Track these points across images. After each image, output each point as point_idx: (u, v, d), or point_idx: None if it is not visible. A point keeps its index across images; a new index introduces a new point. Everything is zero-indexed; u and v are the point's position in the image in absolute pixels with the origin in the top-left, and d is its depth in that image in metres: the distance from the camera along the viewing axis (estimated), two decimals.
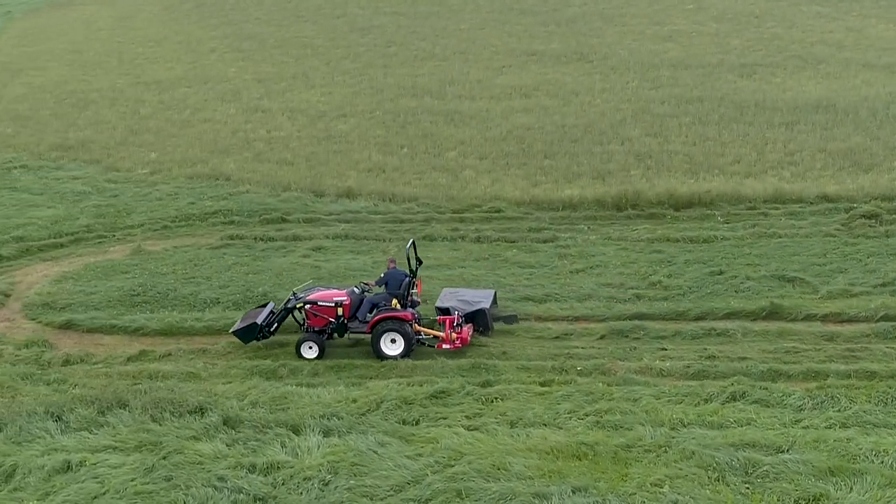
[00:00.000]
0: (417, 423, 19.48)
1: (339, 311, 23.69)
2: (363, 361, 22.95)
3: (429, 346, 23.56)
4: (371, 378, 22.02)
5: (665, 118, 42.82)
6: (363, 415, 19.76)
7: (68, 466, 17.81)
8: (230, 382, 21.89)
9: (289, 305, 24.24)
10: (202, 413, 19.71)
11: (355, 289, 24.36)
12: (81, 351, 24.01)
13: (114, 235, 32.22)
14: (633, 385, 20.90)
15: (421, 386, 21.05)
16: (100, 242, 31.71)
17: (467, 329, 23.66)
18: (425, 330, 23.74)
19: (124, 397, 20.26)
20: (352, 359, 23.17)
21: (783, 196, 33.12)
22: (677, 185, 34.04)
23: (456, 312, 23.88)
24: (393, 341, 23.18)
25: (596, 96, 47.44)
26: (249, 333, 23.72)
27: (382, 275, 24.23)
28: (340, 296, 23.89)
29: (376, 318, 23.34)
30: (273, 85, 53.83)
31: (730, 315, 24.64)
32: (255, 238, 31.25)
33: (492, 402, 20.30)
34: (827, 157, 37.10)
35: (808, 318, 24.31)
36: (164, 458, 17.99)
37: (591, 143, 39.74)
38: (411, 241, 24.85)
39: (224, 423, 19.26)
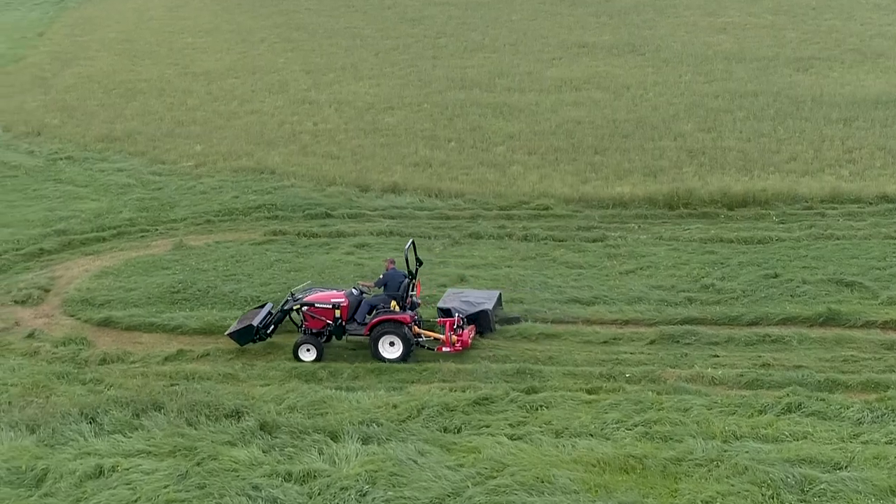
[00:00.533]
0: (459, 431, 18.84)
1: (337, 312, 23.07)
2: (405, 365, 22.32)
3: (429, 348, 22.99)
4: (413, 382, 21.41)
5: (719, 113, 41.83)
6: (403, 422, 19.14)
7: (100, 471, 17.37)
8: (268, 385, 21.35)
9: (286, 307, 23.74)
10: (238, 417, 19.23)
11: (353, 290, 23.80)
12: (119, 349, 23.54)
13: (156, 230, 31.85)
14: (684, 394, 20.11)
15: (464, 392, 20.41)
16: (142, 237, 31.35)
17: (468, 331, 23.06)
18: (425, 332, 23.17)
19: (160, 399, 19.83)
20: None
21: (841, 196, 32.08)
22: (731, 184, 33.09)
23: (457, 314, 23.30)
24: (392, 344, 22.64)
25: (648, 90, 46.53)
26: (246, 335, 23.18)
27: (381, 276, 23.69)
28: (338, 297, 23.27)
29: (374, 320, 22.75)
30: (321, 76, 53.38)
31: (785, 321, 23.75)
32: (299, 234, 30.70)
33: (536, 409, 19.60)
34: (887, 155, 35.97)
35: (868, 324, 23.37)
36: (199, 464, 17.52)
37: (643, 139, 38.86)
38: (410, 241, 24.22)
39: (261, 429, 18.76)
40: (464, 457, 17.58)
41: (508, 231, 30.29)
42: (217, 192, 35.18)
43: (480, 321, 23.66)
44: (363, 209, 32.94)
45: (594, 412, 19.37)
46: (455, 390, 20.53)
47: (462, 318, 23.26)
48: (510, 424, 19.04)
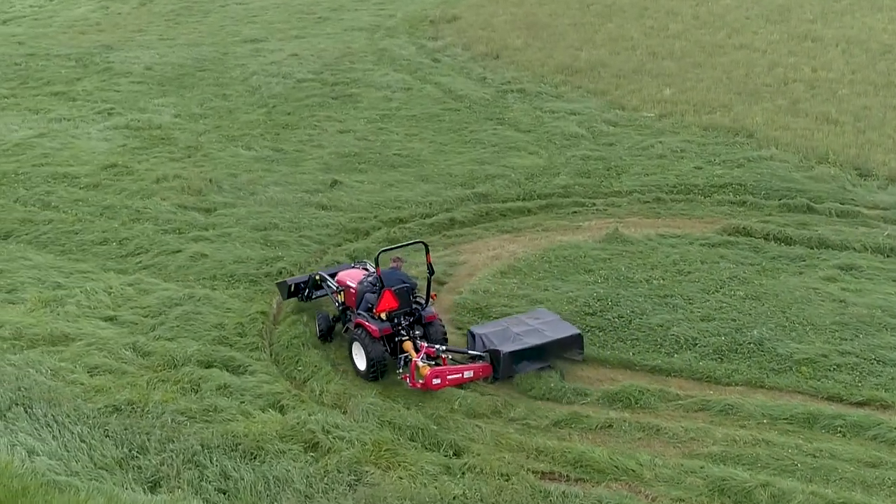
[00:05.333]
0: None
1: (340, 297, 20.12)
2: None
3: (397, 372, 18.37)
4: None
5: None
6: None
7: None
8: (680, 502, 15.08)
9: (316, 276, 21.11)
10: None
11: (369, 280, 19.49)
12: (495, 396, 17.94)
13: (593, 204, 26.09)
14: None
15: None
16: (574, 213, 25.72)
17: (439, 372, 17.63)
18: (412, 354, 18.31)
19: None
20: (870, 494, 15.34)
21: None
22: None
23: (436, 346, 18.32)
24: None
25: None
26: (283, 289, 21.22)
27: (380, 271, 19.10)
28: (353, 280, 19.94)
29: (354, 320, 19.13)
30: (833, 3, 44.87)
31: None
32: (766, 236, 23.54)
33: None
34: None
35: None
36: None
37: None
38: (419, 242, 19.93)
39: None
40: None
41: None
42: (677, 157, 28.79)
43: (493, 362, 17.80)
44: (858, 204, 25.29)
45: None
46: None
47: (438, 350, 18.28)
48: None
